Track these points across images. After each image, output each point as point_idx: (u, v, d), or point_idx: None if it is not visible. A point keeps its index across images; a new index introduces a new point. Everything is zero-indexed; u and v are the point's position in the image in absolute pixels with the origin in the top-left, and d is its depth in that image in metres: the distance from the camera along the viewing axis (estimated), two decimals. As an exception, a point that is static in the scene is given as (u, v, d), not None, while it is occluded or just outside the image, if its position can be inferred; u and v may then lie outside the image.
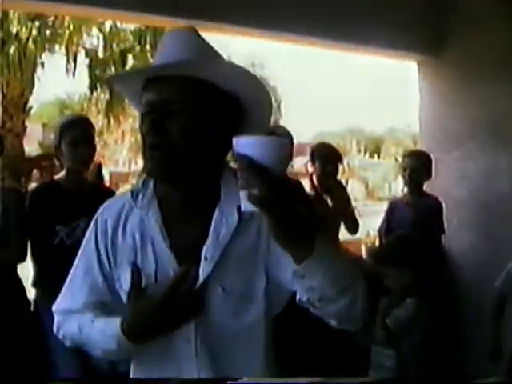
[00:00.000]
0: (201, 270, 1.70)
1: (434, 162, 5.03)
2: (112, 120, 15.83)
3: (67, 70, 14.22)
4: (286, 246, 1.47)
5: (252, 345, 1.75)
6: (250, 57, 28.05)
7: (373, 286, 3.36)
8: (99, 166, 4.51)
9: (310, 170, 4.75)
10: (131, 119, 21.37)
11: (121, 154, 22.38)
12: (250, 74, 1.72)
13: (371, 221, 6.93)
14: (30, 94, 15.38)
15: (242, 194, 1.38)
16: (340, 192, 4.87)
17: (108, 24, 13.91)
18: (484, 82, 5.36)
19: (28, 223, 3.68)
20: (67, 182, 3.75)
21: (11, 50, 12.99)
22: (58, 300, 1.92)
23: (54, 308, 1.92)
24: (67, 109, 25.74)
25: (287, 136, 4.09)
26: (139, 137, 1.75)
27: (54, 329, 1.91)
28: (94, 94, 15.31)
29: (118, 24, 13.95)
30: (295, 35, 4.97)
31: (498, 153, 5.29)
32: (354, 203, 5.22)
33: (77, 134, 3.68)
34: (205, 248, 1.71)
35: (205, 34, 1.78)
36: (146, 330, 1.69)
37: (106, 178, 15.06)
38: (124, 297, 1.76)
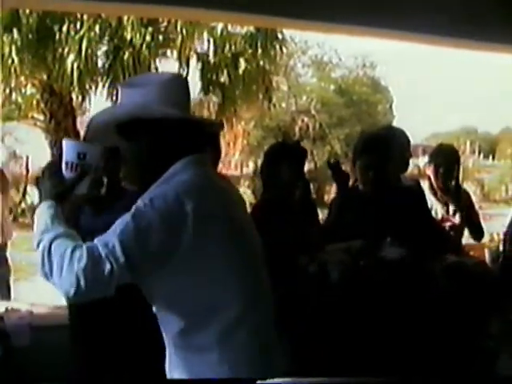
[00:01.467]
0: None
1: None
2: (224, 123, 15.97)
3: (180, 75, 14.42)
4: None
5: None
6: (361, 57, 27.84)
7: (499, 295, 3.19)
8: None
9: (428, 171, 4.58)
10: (243, 122, 21.57)
11: (233, 157, 22.54)
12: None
13: (489, 224, 6.68)
14: (144, 97, 15.70)
15: None
16: (462, 195, 4.69)
17: (219, 28, 14.04)
18: None
19: None
20: None
21: (126, 56, 13.30)
22: None
23: None
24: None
25: (403, 137, 3.99)
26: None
27: None
28: (207, 97, 15.53)
29: (230, 28, 14.08)
30: (406, 33, 4.85)
31: None
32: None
33: None
34: None
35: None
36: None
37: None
38: None
